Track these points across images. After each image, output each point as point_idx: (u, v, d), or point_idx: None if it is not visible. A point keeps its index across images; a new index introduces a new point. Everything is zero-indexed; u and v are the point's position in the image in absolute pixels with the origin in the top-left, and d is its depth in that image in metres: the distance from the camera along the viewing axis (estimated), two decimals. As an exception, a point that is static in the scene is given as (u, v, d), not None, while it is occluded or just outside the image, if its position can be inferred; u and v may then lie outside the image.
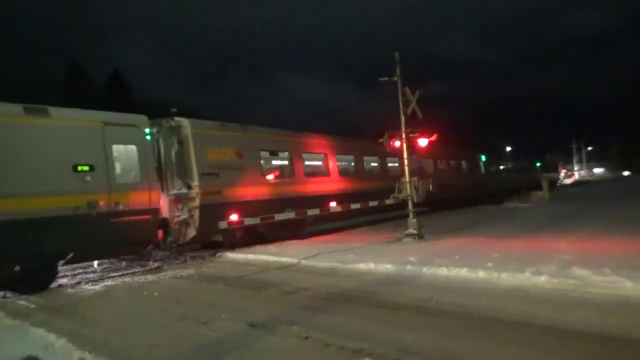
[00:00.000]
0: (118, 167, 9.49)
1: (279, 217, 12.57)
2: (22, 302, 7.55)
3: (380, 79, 12.00)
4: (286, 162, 14.09)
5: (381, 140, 12.55)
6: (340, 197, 14.71)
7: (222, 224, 11.18)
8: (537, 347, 4.09)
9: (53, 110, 8.71)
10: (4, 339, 5.42)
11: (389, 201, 13.68)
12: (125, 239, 9.25)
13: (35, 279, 8.32)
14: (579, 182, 65.02)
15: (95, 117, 9.36)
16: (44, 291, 8.26)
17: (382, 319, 5.27)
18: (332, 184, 15.00)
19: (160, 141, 10.49)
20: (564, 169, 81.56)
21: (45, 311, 6.85)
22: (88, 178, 8.73)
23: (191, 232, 10.58)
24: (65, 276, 9.95)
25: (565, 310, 5.09)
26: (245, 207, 11.67)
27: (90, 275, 9.92)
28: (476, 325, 4.83)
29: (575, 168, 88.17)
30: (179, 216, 10.41)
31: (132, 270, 10.18)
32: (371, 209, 16.07)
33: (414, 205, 11.80)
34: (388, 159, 17.25)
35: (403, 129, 11.97)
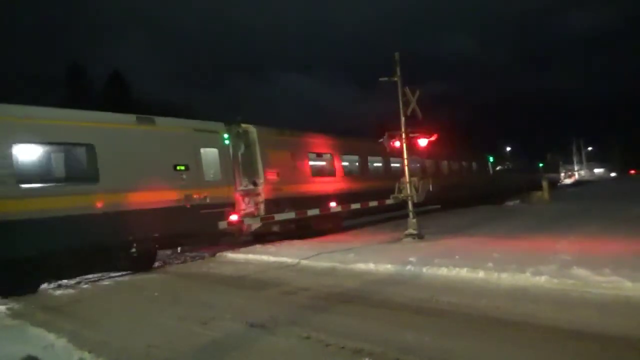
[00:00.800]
0: (205, 167, 11.09)
1: (331, 209, 14.14)
2: (22, 302, 7.55)
3: (381, 79, 11.99)
4: (327, 163, 15.94)
5: (381, 140, 12.56)
6: (371, 194, 15.74)
7: (281, 216, 12.65)
8: (537, 347, 4.09)
9: (157, 119, 10.53)
10: (4, 339, 5.42)
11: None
12: (210, 227, 10.90)
13: (143, 260, 10.11)
14: (579, 182, 65.75)
15: (187, 125, 11.23)
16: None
17: (382, 319, 5.26)
18: (366, 183, 16.61)
19: (230, 145, 12.07)
20: (568, 171, 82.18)
21: (45, 311, 6.85)
22: (184, 176, 10.51)
23: (257, 223, 12.26)
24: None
25: (565, 310, 5.09)
26: (297, 202, 13.21)
27: (90, 275, 9.92)
28: (476, 325, 4.83)
29: (576, 168, 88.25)
30: (245, 209, 12.16)
31: (132, 270, 10.19)
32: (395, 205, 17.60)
33: (427, 203, 12.54)
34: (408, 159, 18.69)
35: (403, 129, 11.97)
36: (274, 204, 12.56)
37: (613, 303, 5.26)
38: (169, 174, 10.24)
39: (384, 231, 13.98)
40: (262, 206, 12.34)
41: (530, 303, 5.46)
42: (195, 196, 10.55)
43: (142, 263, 10.09)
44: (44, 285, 8.99)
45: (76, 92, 38.78)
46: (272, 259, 10.18)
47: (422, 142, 12.37)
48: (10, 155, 8.06)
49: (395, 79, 11.82)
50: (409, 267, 7.88)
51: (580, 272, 6.28)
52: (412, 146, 12.43)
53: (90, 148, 9.19)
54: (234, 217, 11.51)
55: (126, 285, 8.59)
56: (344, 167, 16.15)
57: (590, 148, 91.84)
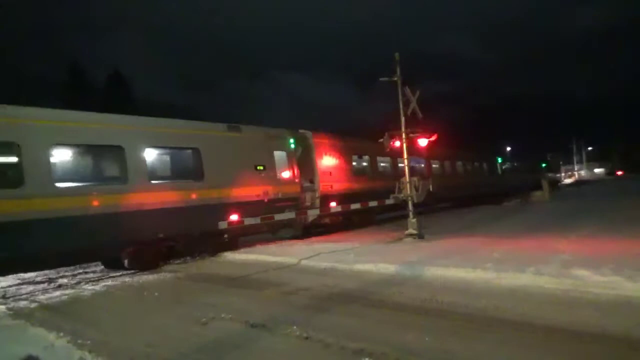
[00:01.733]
0: (277, 167, 13.07)
1: (367, 206, 15.42)
2: (22, 302, 7.55)
3: (381, 79, 11.99)
4: (366, 164, 17.74)
5: (381, 140, 12.57)
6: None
7: (333, 210, 14.59)
8: (537, 347, 4.09)
9: (242, 127, 12.62)
10: (4, 339, 5.42)
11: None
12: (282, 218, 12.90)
13: (231, 244, 11.98)
14: (579, 182, 66.15)
15: (263, 131, 13.27)
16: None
17: (382, 319, 5.26)
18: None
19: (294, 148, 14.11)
20: (568, 171, 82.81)
21: (46, 311, 6.85)
22: (263, 175, 12.51)
23: (314, 215, 13.98)
24: (65, 276, 9.97)
25: (566, 310, 5.09)
26: (343, 197, 15.00)
27: (90, 275, 9.93)
28: (476, 325, 4.83)
29: (576, 168, 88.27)
30: (305, 203, 14.08)
31: (132, 270, 10.18)
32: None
33: (443, 200, 14.23)
34: (431, 161, 21.84)
35: (403, 129, 11.97)
36: (327, 199, 14.62)
37: (613, 303, 5.26)
38: (252, 173, 12.32)
39: (384, 231, 13.98)
40: (317, 201, 14.36)
41: (530, 303, 5.46)
42: (270, 192, 12.58)
43: (231, 246, 11.97)
44: (45, 285, 9.02)
45: (77, 92, 38.76)
46: (272, 259, 10.17)
47: (422, 142, 12.36)
48: (143, 157, 10.16)
49: (395, 79, 11.81)
50: (409, 267, 7.88)
51: (581, 272, 6.28)
52: (412, 146, 12.44)
53: (197, 152, 11.20)
54: (234, 217, 11.65)
55: (126, 285, 8.59)
56: (378, 167, 18.27)
57: (590, 148, 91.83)
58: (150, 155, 10.45)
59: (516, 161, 38.44)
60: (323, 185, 14.62)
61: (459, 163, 24.69)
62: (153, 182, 10.18)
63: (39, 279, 9.83)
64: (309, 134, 14.83)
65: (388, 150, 12.88)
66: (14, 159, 8.32)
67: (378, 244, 11.13)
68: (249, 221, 11.71)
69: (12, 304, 7.46)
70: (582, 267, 6.48)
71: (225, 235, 11.71)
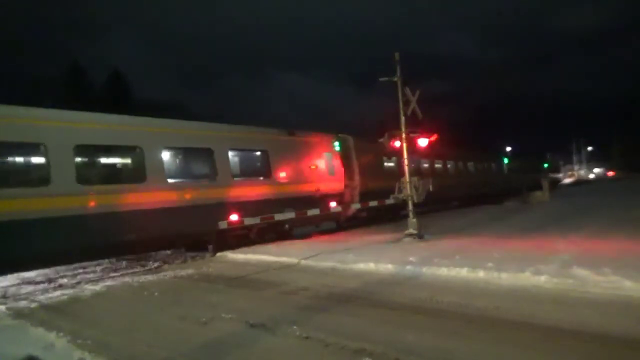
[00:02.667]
0: (326, 167, 15.06)
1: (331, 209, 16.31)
2: (22, 302, 7.56)
3: (381, 79, 11.98)
4: (394, 164, 19.09)
5: (381, 140, 12.58)
6: (443, 191, 19.93)
7: (370, 204, 16.38)
8: (537, 347, 4.09)
9: (298, 132, 14.56)
10: (4, 339, 5.43)
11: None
12: (328, 209, 14.74)
13: (290, 233, 13.61)
14: (579, 181, 66.91)
15: (315, 135, 15.28)
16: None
17: (382, 319, 5.26)
18: (436, 181, 21.35)
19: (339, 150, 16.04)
20: (568, 171, 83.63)
21: (46, 311, 6.85)
22: (315, 173, 14.53)
23: (354, 209, 15.92)
24: (66, 276, 9.98)
25: (565, 310, 5.09)
26: (377, 194, 16.37)
27: (90, 275, 9.93)
28: (476, 325, 4.83)
29: (576, 168, 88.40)
30: (347, 198, 15.89)
31: (132, 270, 10.20)
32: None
33: (458, 197, 16.88)
34: (447, 161, 24.29)
35: (403, 129, 11.97)
36: (365, 195, 16.39)
37: (613, 303, 5.26)
38: (307, 172, 14.32)
39: (384, 231, 13.98)
40: (357, 197, 16.36)
41: (530, 303, 5.46)
42: (321, 188, 14.56)
43: (289, 235, 13.59)
44: (45, 285, 9.03)
45: (76, 92, 38.73)
46: (272, 259, 10.17)
47: (422, 141, 12.35)
48: (228, 158, 12.09)
49: (396, 79, 11.81)
50: (409, 267, 7.88)
51: (580, 272, 6.28)
52: (412, 146, 12.43)
53: (265, 153, 13.19)
54: (234, 217, 11.80)
55: (126, 285, 8.59)
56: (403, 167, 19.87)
57: (590, 148, 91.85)
58: (232, 156, 12.39)
59: (520, 161, 38.95)
60: (361, 183, 16.63)
61: (471, 163, 27.21)
62: (235, 179, 12.26)
63: (39, 279, 9.84)
64: (349, 138, 16.90)
65: (389, 150, 13.34)
66: (140, 161, 10.31)
67: (378, 244, 11.13)
68: (289, 215, 13.57)
69: (12, 304, 7.46)
70: (582, 267, 6.48)
71: (287, 225, 13.48)
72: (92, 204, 9.18)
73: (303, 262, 9.47)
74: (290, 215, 13.32)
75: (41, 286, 8.97)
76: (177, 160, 11.54)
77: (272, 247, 11.78)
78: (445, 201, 23.04)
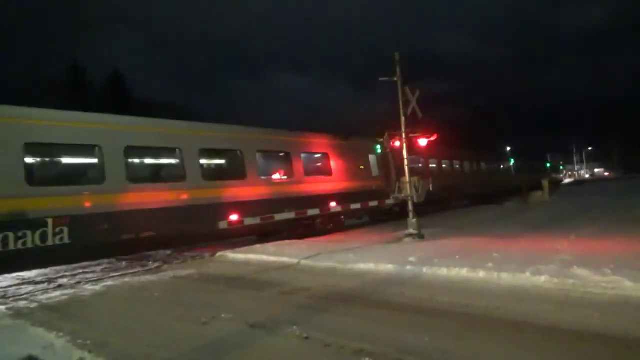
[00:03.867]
0: (372, 167, 17.26)
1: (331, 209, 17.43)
2: (22, 302, 7.55)
3: (381, 79, 11.99)
4: (421, 165, 21.60)
5: (381, 140, 12.59)
6: (452, 188, 23.49)
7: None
8: (537, 347, 4.09)
9: (351, 136, 16.78)
10: (4, 339, 5.42)
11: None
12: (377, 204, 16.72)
13: (336, 226, 15.47)
14: (579, 181, 67.36)
15: (362, 139, 17.48)
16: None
17: (382, 319, 5.26)
18: (446, 179, 23.38)
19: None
20: (568, 171, 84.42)
21: (46, 311, 6.85)
22: (362, 172, 16.64)
23: (389, 204, 16.94)
24: (65, 276, 9.97)
25: (566, 310, 5.09)
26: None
27: (90, 275, 9.93)
28: (476, 325, 4.83)
29: (576, 168, 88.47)
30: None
31: (132, 270, 10.19)
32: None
33: (473, 196, 19.94)
34: (464, 162, 26.98)
35: (403, 129, 11.97)
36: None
37: (613, 303, 5.26)
38: (357, 171, 16.39)
39: (384, 231, 13.99)
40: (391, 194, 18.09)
41: (531, 303, 5.46)
42: (367, 185, 16.45)
43: (340, 227, 15.56)
44: (45, 285, 9.03)
45: (76, 92, 38.73)
46: (272, 259, 10.17)
47: (422, 141, 12.36)
48: (302, 159, 14.51)
49: (395, 78, 11.81)
50: (409, 267, 7.88)
51: (581, 272, 6.28)
52: (413, 146, 12.46)
53: (326, 155, 15.48)
54: (234, 217, 11.84)
55: (126, 285, 8.59)
56: (430, 168, 22.63)
57: (590, 148, 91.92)
58: (305, 158, 14.92)
59: (525, 162, 41.07)
60: (395, 181, 18.47)
61: (483, 164, 30.33)
62: (306, 177, 14.43)
63: (39, 279, 9.83)
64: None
65: (389, 150, 14.76)
66: (176, 162, 11.43)
67: (378, 244, 11.13)
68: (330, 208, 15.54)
69: (12, 304, 7.46)
70: (582, 267, 6.48)
71: (343, 217, 15.65)
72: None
73: (303, 262, 9.47)
74: (290, 215, 13.48)
75: (41, 286, 8.96)
76: (266, 161, 14.09)
77: (272, 247, 11.77)
78: (461, 198, 26.29)
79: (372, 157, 17.45)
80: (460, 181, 25.19)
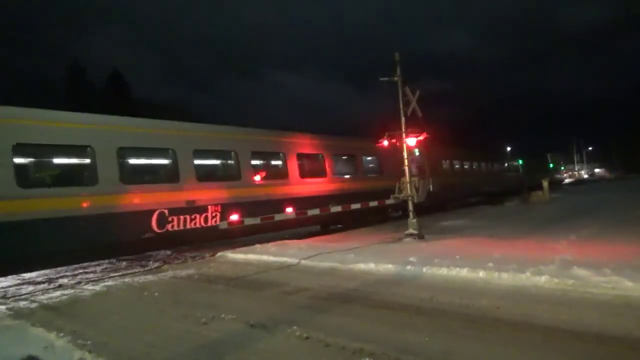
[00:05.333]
0: (412, 166, 17.84)
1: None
2: (22, 302, 7.56)
3: (381, 79, 11.98)
4: (447, 166, 24.74)
5: (381, 140, 12.58)
6: (469, 185, 27.20)
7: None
8: (537, 347, 4.09)
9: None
10: (4, 339, 5.42)
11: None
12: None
13: (382, 218, 18.01)
14: (579, 181, 68.00)
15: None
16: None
17: (382, 319, 5.26)
18: (469, 178, 27.45)
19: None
20: (568, 171, 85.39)
21: (46, 311, 6.85)
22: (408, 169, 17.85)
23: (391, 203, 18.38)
24: (66, 276, 9.98)
25: (566, 310, 5.09)
26: (436, 187, 19.90)
27: (90, 275, 9.93)
28: (476, 325, 4.83)
29: (576, 168, 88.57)
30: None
31: (132, 271, 10.19)
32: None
33: (488, 193, 23.49)
34: (481, 163, 30.59)
35: (403, 129, 11.96)
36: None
37: (613, 303, 5.26)
38: (402, 171, 17.71)
39: (384, 231, 13.98)
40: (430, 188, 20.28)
41: (531, 303, 5.46)
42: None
43: (390, 217, 18.48)
44: (45, 285, 9.03)
45: (77, 92, 38.72)
46: (272, 259, 10.17)
47: (411, 141, 12.22)
48: (367, 160, 18.17)
49: (396, 78, 11.81)
50: (409, 267, 7.88)
51: (581, 272, 6.27)
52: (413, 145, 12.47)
53: (378, 157, 18.01)
54: (234, 217, 11.87)
55: (126, 285, 8.59)
56: (454, 167, 25.90)
57: (590, 148, 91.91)
58: (365, 160, 17.98)
59: (530, 162, 43.15)
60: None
61: (495, 164, 33.73)
62: (367, 175, 17.47)
63: (39, 279, 9.84)
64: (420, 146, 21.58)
65: (384, 148, 14.94)
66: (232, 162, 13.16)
67: (378, 244, 11.13)
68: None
69: (12, 304, 7.46)
70: (583, 267, 6.48)
71: (390, 209, 18.24)
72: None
73: (303, 262, 9.47)
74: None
75: (41, 286, 8.97)
76: (339, 163, 16.87)
77: (272, 247, 11.77)
78: (476, 195, 28.77)
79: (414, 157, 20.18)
80: (478, 180, 29.01)
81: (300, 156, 15.06)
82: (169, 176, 11.32)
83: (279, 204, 13.56)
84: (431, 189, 13.75)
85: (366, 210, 16.58)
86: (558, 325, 4.60)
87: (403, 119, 11.91)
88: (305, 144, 15.57)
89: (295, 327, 5.00)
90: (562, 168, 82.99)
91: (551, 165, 59.77)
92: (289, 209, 13.88)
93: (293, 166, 14.56)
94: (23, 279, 9.77)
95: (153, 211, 10.44)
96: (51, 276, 10.06)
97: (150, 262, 11.23)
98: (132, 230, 10.16)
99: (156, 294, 7.57)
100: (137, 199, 10.25)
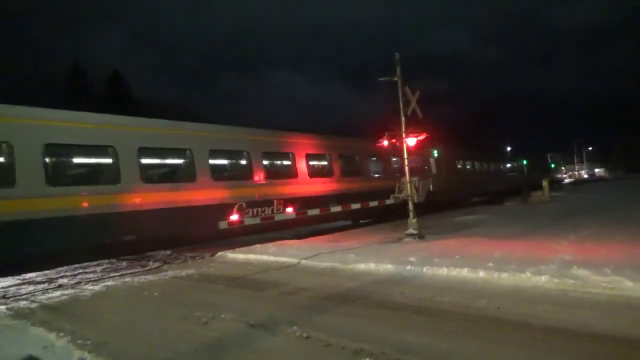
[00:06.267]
0: (430, 167, 21.97)
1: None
2: (22, 302, 7.55)
3: (381, 79, 11.98)
4: (460, 166, 26.58)
5: (381, 140, 12.58)
6: (482, 183, 29.55)
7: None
8: (538, 347, 4.09)
9: (423, 147, 19.01)
10: (4, 339, 5.42)
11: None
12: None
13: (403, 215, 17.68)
14: (579, 181, 68.18)
15: (427, 147, 20.22)
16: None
17: (382, 319, 5.26)
18: (479, 177, 29.72)
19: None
20: (569, 171, 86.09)
21: (46, 311, 6.85)
22: (427, 172, 20.35)
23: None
24: (66, 276, 9.98)
25: (566, 310, 5.09)
26: (451, 186, 23.12)
27: (90, 275, 9.93)
28: (476, 325, 4.82)
29: (576, 168, 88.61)
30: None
31: (132, 270, 10.19)
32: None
33: (496, 192, 25.92)
34: (492, 164, 33.15)
35: (403, 129, 11.96)
36: (445, 188, 21.96)
37: (613, 303, 5.26)
38: (424, 171, 20.11)
39: (384, 231, 13.98)
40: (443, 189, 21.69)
41: (531, 303, 5.46)
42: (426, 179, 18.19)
43: (427, 212, 18.46)
44: (45, 285, 9.03)
45: (77, 92, 38.71)
46: (272, 258, 10.17)
47: (411, 141, 12.21)
48: (392, 161, 19.41)
49: (395, 78, 11.81)
50: (409, 267, 7.88)
51: (581, 272, 6.27)
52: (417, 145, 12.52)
53: (383, 157, 19.03)
54: (234, 217, 11.92)
55: (126, 285, 8.59)
56: (467, 167, 27.83)
57: (590, 148, 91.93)
58: (393, 162, 19.07)
59: (533, 162, 44.13)
60: (446, 179, 22.80)
61: (503, 165, 36.15)
62: (393, 175, 17.27)
63: (39, 279, 9.84)
64: (439, 147, 23.13)
65: (382, 148, 15.09)
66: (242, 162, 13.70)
67: (378, 244, 11.13)
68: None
69: (12, 304, 7.46)
70: (583, 267, 6.48)
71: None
72: None
73: (303, 262, 9.46)
74: (291, 215, 14.33)
75: (41, 286, 8.96)
76: (373, 164, 18.90)
77: (272, 247, 11.76)
78: (485, 194, 30.20)
79: (431, 160, 22.64)
80: (484, 179, 30.80)
81: (309, 156, 15.93)
82: (186, 175, 11.64)
83: (307, 202, 14.62)
84: (431, 189, 13.82)
85: (391, 207, 17.05)
86: (558, 325, 4.60)
87: (403, 119, 11.91)
88: (313, 145, 16.37)
89: (295, 327, 5.00)
90: (563, 168, 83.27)
91: (553, 165, 60.52)
92: (315, 209, 14.99)
93: (301, 166, 15.29)
94: (23, 279, 9.76)
95: (169, 209, 10.81)
96: (51, 276, 10.06)
97: (150, 262, 11.23)
98: (152, 227, 10.74)
99: (156, 294, 7.57)
100: (156, 197, 10.64)
